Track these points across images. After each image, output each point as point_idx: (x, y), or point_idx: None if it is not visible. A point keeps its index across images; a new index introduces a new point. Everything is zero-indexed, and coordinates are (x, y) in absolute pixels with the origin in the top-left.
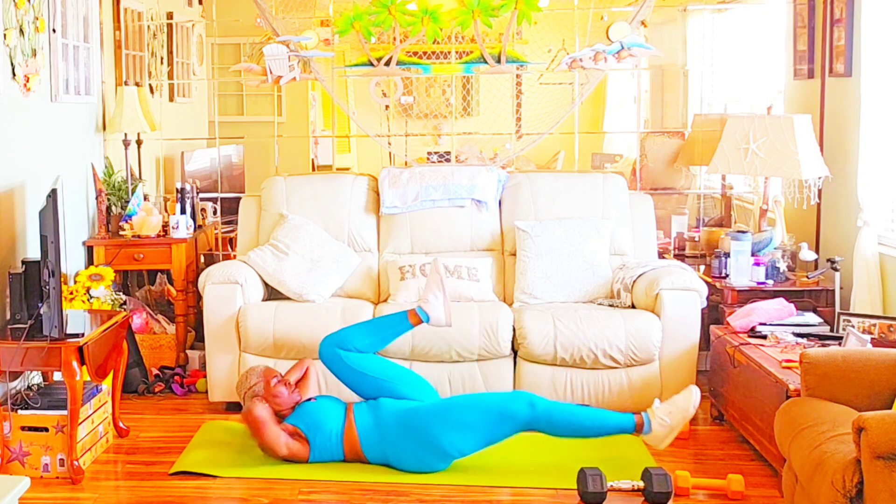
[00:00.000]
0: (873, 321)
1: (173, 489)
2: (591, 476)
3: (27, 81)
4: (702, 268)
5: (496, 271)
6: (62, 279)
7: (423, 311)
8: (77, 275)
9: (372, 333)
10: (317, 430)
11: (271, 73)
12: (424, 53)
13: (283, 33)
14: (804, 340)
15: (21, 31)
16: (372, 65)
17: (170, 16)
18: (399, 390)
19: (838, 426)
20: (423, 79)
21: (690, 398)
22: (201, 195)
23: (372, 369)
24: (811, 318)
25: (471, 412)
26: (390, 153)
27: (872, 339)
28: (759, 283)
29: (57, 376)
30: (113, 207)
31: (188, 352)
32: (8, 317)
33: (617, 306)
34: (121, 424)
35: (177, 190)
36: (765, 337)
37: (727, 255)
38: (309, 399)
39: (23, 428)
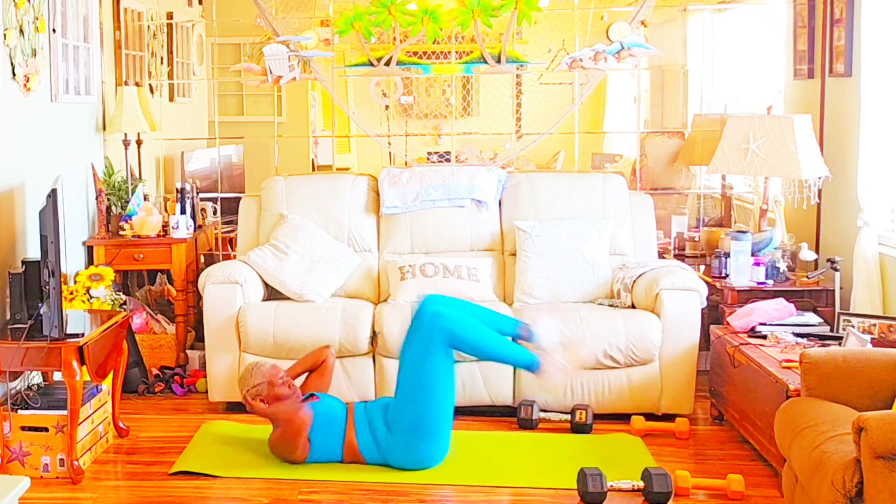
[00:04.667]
0: (873, 321)
1: (173, 489)
2: (591, 476)
3: (27, 81)
4: (702, 268)
5: (496, 271)
6: (62, 279)
7: (532, 333)
8: (77, 275)
9: (481, 318)
10: (318, 432)
11: (271, 73)
12: (424, 53)
13: (283, 33)
14: (804, 340)
15: (21, 31)
16: (372, 65)
17: (170, 16)
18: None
19: (838, 426)
20: (423, 79)
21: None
22: (201, 195)
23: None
24: (811, 318)
25: (412, 372)
26: (390, 153)
27: (872, 339)
28: (759, 283)
29: (57, 376)
30: (113, 207)
31: (188, 352)
32: (8, 317)
33: (617, 306)
34: (121, 424)
35: (177, 190)
36: (765, 337)
37: (727, 255)
38: (311, 396)
39: (23, 428)
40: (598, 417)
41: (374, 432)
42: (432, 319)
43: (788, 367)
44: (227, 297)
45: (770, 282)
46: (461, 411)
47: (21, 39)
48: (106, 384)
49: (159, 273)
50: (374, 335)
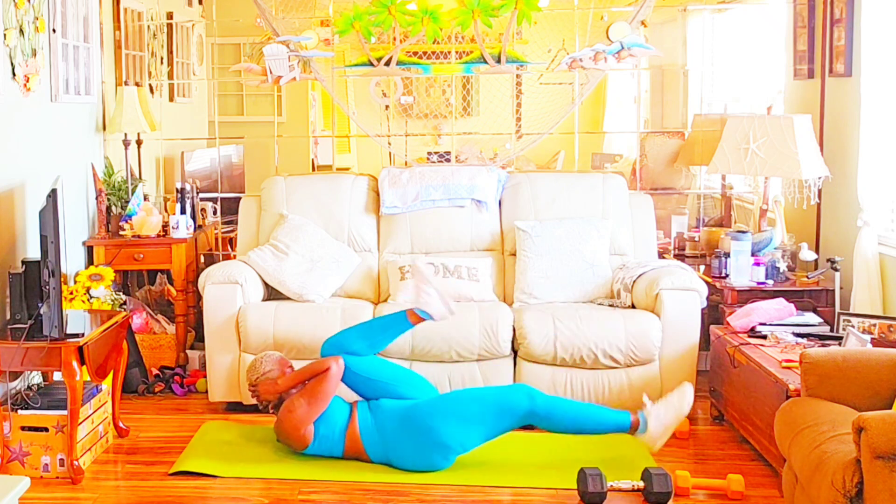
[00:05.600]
0: (873, 321)
1: (173, 489)
2: (591, 476)
3: (27, 81)
4: (702, 268)
5: (496, 271)
6: (62, 279)
7: (423, 311)
8: (77, 275)
9: (371, 335)
10: (320, 422)
11: (271, 73)
12: (424, 53)
13: (283, 33)
14: (804, 340)
15: (21, 31)
16: (372, 65)
17: (170, 16)
18: (400, 391)
19: (838, 426)
20: (423, 79)
21: (684, 397)
22: (201, 195)
23: (373, 372)
24: (811, 318)
25: (470, 405)
26: (390, 153)
27: (872, 339)
28: (759, 283)
29: (57, 376)
30: (113, 207)
31: (188, 352)
32: (8, 317)
33: (617, 306)
34: (121, 424)
35: (177, 190)
36: (765, 337)
37: (727, 255)
38: None
39: (23, 428)
40: None
41: (381, 429)
42: (529, 396)
43: (788, 367)
44: (227, 297)
45: (770, 282)
46: None
47: (21, 39)
48: (106, 384)
49: (159, 273)
50: None
